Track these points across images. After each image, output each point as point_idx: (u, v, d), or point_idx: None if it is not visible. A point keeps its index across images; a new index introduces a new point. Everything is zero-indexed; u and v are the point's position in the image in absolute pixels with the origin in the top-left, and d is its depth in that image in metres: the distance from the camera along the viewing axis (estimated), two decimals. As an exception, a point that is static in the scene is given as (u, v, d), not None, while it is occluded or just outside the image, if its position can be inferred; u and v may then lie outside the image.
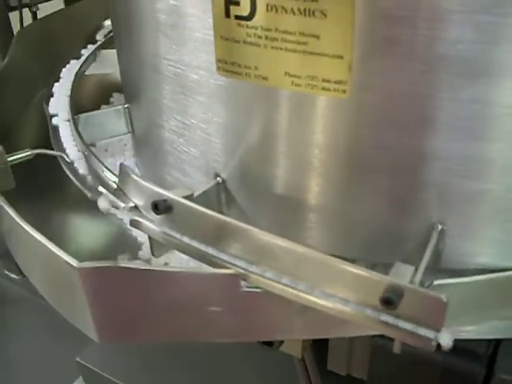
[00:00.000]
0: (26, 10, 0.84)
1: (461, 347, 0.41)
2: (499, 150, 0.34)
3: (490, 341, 0.42)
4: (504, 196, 0.36)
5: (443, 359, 0.42)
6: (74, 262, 0.33)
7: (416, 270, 0.34)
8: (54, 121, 0.55)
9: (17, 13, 0.82)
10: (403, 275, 0.33)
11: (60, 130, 0.54)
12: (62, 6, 0.93)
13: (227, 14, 0.35)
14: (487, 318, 0.38)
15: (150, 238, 0.39)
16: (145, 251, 0.45)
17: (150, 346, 0.65)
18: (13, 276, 0.73)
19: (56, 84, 0.62)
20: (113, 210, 0.43)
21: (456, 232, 0.37)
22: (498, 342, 0.42)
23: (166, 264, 0.43)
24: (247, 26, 0.35)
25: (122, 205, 0.39)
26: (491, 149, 0.34)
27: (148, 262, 0.44)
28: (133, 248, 0.46)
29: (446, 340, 0.31)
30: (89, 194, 0.43)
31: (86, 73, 0.67)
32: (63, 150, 0.51)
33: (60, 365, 0.79)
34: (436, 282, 0.36)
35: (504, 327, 0.39)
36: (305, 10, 0.33)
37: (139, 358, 0.69)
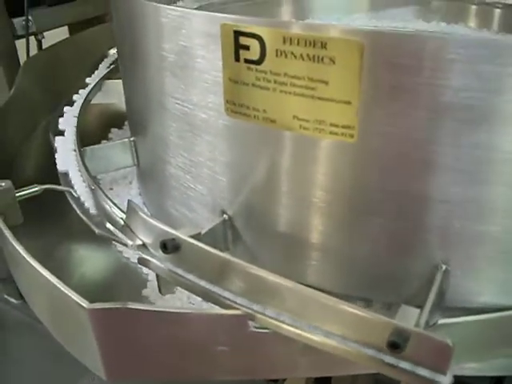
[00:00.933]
0: (31, 39, 0.85)
1: (463, 383, 0.41)
2: (500, 193, 0.35)
3: (491, 377, 0.43)
4: (505, 237, 0.36)
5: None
6: (84, 303, 0.34)
7: (421, 311, 0.34)
8: (60, 153, 0.56)
9: (23, 41, 0.83)
10: (409, 318, 0.33)
11: (67, 162, 0.54)
12: (66, 34, 0.94)
13: (237, 58, 0.36)
14: (490, 356, 0.38)
15: (157, 275, 0.39)
16: (149, 289, 0.45)
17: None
18: (12, 300, 0.72)
19: (63, 115, 0.62)
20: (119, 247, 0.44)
21: (459, 272, 0.38)
22: (499, 379, 0.43)
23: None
24: (256, 70, 0.36)
25: (130, 242, 0.40)
26: (493, 192, 0.35)
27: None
28: (137, 283, 0.46)
29: (447, 381, 0.31)
30: (96, 231, 0.43)
31: (91, 102, 0.68)
32: (70, 184, 0.51)
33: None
34: (441, 321, 0.36)
35: (506, 365, 0.39)
36: (314, 56, 0.33)
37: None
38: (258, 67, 0.36)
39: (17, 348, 0.85)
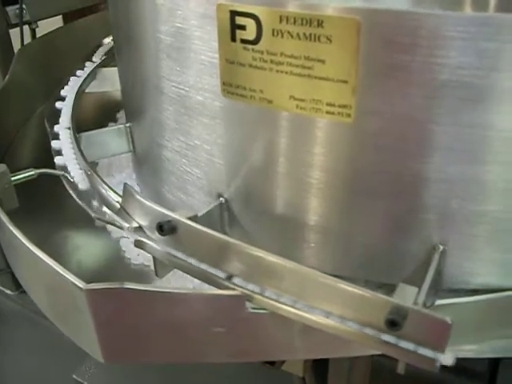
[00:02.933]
0: (25, 28, 0.84)
1: (461, 366, 0.41)
2: (499, 172, 0.35)
3: (490, 359, 0.43)
4: (503, 217, 0.36)
5: (444, 378, 0.42)
6: (80, 284, 0.33)
7: (419, 290, 0.34)
8: (56, 139, 0.55)
9: (17, 30, 0.83)
10: (407, 296, 0.33)
11: (62, 148, 0.54)
12: (60, 23, 0.94)
13: (233, 38, 0.36)
14: (488, 338, 0.38)
15: (154, 258, 0.39)
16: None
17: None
18: (8, 292, 0.72)
19: (57, 103, 0.62)
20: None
21: (457, 252, 0.38)
22: (498, 361, 0.43)
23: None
24: (253, 50, 0.36)
25: (126, 225, 0.39)
26: (491, 171, 0.35)
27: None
28: (135, 270, 0.46)
29: (448, 360, 0.31)
30: (93, 214, 0.43)
31: (86, 91, 0.68)
32: (65, 169, 0.51)
33: (56, 382, 0.78)
34: (438, 302, 0.36)
35: (504, 346, 0.39)
36: (310, 35, 0.33)
37: (136, 376, 0.69)
38: (255, 47, 0.35)
39: (13, 339, 0.85)
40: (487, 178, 0.35)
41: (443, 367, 0.31)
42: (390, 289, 0.35)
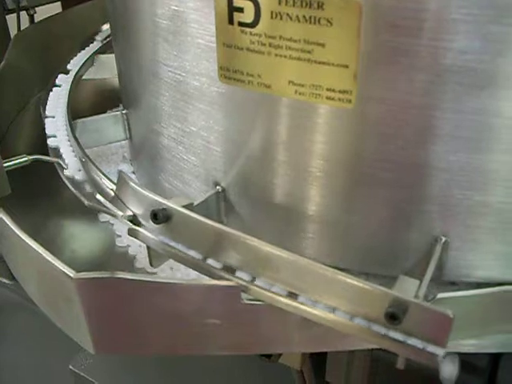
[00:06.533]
0: (23, 14, 0.83)
1: (462, 361, 0.40)
2: (503, 161, 0.34)
3: (491, 354, 0.42)
4: (507, 208, 0.36)
5: (444, 373, 0.42)
6: (70, 272, 0.33)
7: (420, 283, 0.33)
8: (51, 126, 0.54)
9: (14, 15, 0.82)
10: (408, 289, 0.32)
11: (57, 135, 0.53)
12: (59, 9, 0.92)
13: (230, 21, 0.35)
14: (489, 332, 0.38)
15: (148, 247, 0.38)
16: (140, 261, 0.44)
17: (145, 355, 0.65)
18: (4, 281, 0.72)
19: (53, 89, 0.61)
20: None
21: (459, 244, 0.37)
22: (498, 356, 0.42)
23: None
24: (251, 33, 0.34)
25: (120, 213, 0.38)
26: (495, 160, 0.34)
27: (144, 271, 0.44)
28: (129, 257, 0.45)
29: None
30: (86, 202, 0.42)
31: (83, 77, 0.67)
32: (60, 156, 0.50)
33: (53, 372, 0.78)
34: (439, 296, 0.35)
35: (505, 341, 0.38)
36: (310, 17, 0.32)
37: (134, 367, 0.68)
38: (253, 30, 0.34)
39: (9, 328, 0.85)
40: (491, 167, 0.34)
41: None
42: (391, 282, 0.34)
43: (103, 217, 0.49)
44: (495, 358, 0.43)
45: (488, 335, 0.38)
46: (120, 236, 0.47)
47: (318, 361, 0.52)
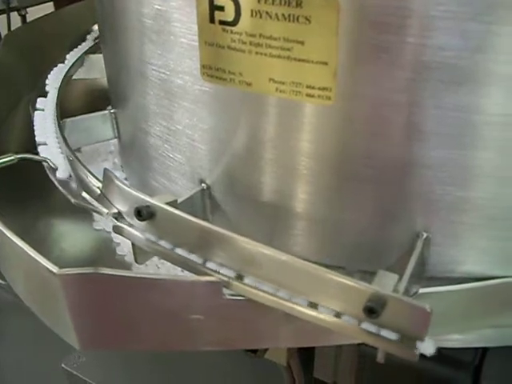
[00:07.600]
0: (14, 14, 0.83)
1: (447, 356, 0.41)
2: (484, 157, 0.34)
3: (476, 349, 0.42)
4: (489, 204, 0.36)
5: (430, 368, 0.42)
6: (54, 269, 0.33)
7: (400, 278, 0.33)
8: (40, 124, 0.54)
9: (4, 16, 0.82)
10: (387, 284, 0.32)
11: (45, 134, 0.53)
12: (51, 9, 0.93)
13: (212, 20, 0.35)
14: (473, 327, 0.38)
15: (133, 244, 0.38)
16: (129, 257, 0.45)
17: (137, 352, 0.65)
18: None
19: (43, 89, 0.61)
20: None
21: (441, 240, 0.37)
22: (484, 351, 0.42)
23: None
24: (232, 32, 0.35)
25: (105, 211, 0.39)
26: (476, 156, 0.34)
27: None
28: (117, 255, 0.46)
29: (429, 349, 0.30)
30: (72, 200, 0.42)
31: (73, 77, 0.67)
32: (48, 155, 0.50)
33: (46, 371, 0.78)
34: (422, 291, 0.35)
35: (490, 336, 0.39)
36: (289, 15, 0.32)
37: (126, 365, 0.68)
38: (233, 29, 0.35)
39: (2, 328, 0.85)
40: (472, 163, 0.35)
41: (427, 357, 0.31)
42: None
43: (98, 224, 0.49)
44: (481, 353, 0.43)
45: (472, 330, 0.38)
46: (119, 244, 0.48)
47: (305, 357, 0.52)
